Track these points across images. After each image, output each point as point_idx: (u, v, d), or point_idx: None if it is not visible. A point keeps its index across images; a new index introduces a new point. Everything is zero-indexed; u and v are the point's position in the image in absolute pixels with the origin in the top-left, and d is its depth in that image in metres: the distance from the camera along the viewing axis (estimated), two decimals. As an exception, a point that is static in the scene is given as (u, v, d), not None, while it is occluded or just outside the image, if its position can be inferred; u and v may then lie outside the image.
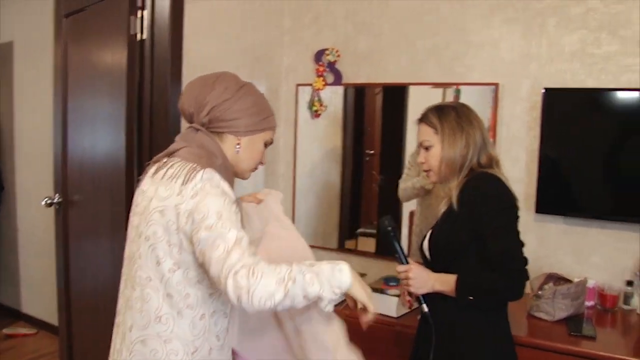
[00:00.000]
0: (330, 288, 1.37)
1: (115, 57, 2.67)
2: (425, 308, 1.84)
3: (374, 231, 3.17)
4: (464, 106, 1.97)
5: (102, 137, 2.84)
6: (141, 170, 2.58)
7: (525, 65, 2.65)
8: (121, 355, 1.50)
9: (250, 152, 1.61)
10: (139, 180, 1.60)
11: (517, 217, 1.82)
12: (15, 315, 4.41)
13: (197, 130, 1.56)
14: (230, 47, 2.88)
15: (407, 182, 2.82)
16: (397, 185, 2.89)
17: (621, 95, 2.44)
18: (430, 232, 1.98)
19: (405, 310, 2.58)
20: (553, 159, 2.52)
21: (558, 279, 2.41)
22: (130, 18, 2.56)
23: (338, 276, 1.39)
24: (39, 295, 4.29)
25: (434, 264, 1.92)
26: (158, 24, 2.58)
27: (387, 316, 2.53)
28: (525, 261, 1.77)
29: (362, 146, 3.20)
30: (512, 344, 1.90)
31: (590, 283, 2.47)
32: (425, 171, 1.98)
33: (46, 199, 3.17)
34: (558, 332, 2.22)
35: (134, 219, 1.55)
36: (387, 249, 2.98)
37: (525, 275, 1.77)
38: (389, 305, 2.54)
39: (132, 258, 1.51)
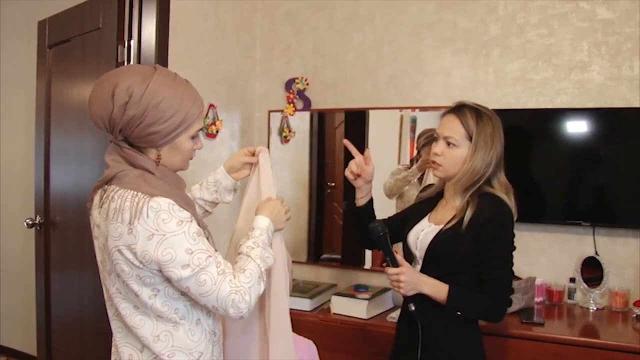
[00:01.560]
0: (270, 245, 1.59)
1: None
2: (412, 307, 1.88)
3: (338, 256, 3.35)
4: (498, 119, 1.94)
5: (88, 173, 2.87)
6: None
7: (475, 90, 2.96)
8: None
9: (177, 155, 1.52)
10: (87, 208, 1.56)
11: (514, 248, 1.88)
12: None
13: (120, 146, 1.47)
14: (208, 76, 3.10)
15: (397, 175, 3.06)
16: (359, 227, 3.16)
17: (557, 113, 2.77)
18: (419, 231, 1.99)
19: (374, 312, 2.82)
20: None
21: (510, 277, 2.70)
22: (118, 47, 2.72)
23: (270, 234, 1.60)
24: (9, 324, 4.29)
25: (425, 268, 1.94)
26: (145, 53, 2.76)
27: (358, 318, 2.74)
28: (512, 291, 1.88)
29: (324, 178, 3.39)
30: (481, 338, 1.98)
31: (538, 281, 2.76)
32: (435, 163, 1.94)
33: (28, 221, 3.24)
34: (512, 322, 2.48)
35: (98, 253, 1.54)
36: (359, 256, 3.25)
37: (509, 303, 1.86)
38: (360, 308, 2.75)
39: (109, 291, 1.51)
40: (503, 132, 1.92)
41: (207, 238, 1.49)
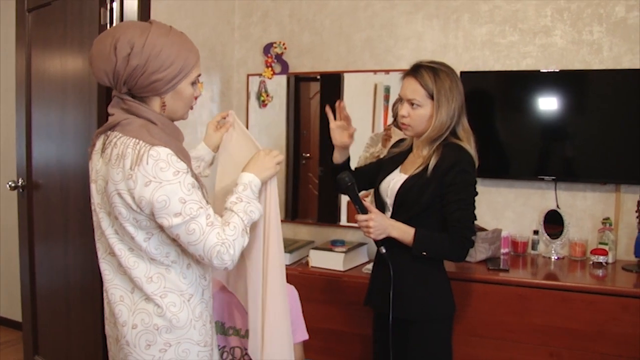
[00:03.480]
0: (257, 199, 1.67)
1: (84, 48, 2.79)
2: (383, 250, 2.01)
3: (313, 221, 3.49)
4: (453, 71, 2.05)
5: (70, 139, 2.91)
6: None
7: (445, 53, 3.09)
8: (122, 315, 1.59)
9: (180, 100, 1.60)
10: (88, 152, 1.64)
11: (476, 194, 2.03)
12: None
13: (123, 99, 1.55)
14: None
15: (365, 153, 3.21)
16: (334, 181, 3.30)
17: (521, 75, 2.94)
18: (390, 180, 2.13)
19: (351, 265, 2.97)
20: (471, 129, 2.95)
21: (478, 229, 2.84)
22: (100, 9, 2.74)
23: (255, 188, 1.67)
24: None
25: (395, 213, 2.08)
26: (127, 15, 2.80)
27: (335, 270, 2.89)
28: (474, 232, 2.02)
29: (300, 149, 3.50)
30: (448, 279, 2.16)
31: (504, 233, 2.93)
32: (403, 124, 2.07)
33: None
34: (479, 269, 2.66)
35: (95, 195, 1.60)
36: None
37: (470, 244, 2.01)
38: (337, 261, 2.91)
39: (105, 232, 1.58)
40: (461, 84, 2.05)
41: (200, 191, 1.56)
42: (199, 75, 1.63)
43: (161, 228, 1.53)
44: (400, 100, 2.09)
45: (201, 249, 1.51)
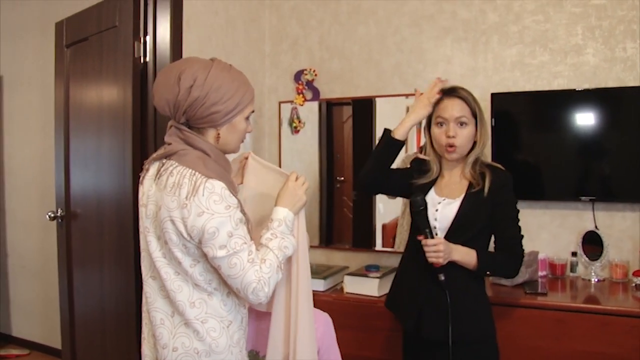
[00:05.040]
0: (291, 233, 1.70)
1: (118, 80, 2.88)
2: (442, 277, 2.00)
3: (347, 246, 3.48)
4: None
5: (106, 170, 2.97)
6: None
7: (475, 76, 3.09)
8: (163, 338, 1.63)
9: (234, 134, 1.67)
10: (139, 177, 1.71)
11: (518, 211, 2.10)
12: (5, 339, 4.52)
13: (178, 128, 1.63)
14: None
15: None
16: (370, 204, 3.31)
17: (554, 95, 2.90)
18: (438, 204, 2.11)
19: (386, 290, 2.93)
20: (504, 151, 2.90)
21: (514, 252, 2.82)
22: (134, 43, 2.84)
23: (289, 223, 1.70)
24: (29, 318, 4.43)
25: (450, 236, 2.06)
26: (160, 48, 2.89)
27: (370, 296, 2.87)
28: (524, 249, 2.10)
29: (334, 172, 3.52)
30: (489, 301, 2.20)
31: (541, 256, 2.87)
32: (451, 146, 2.06)
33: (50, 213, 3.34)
34: (517, 293, 2.61)
35: (146, 221, 1.65)
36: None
37: (523, 260, 2.10)
38: (371, 287, 2.88)
39: (152, 255, 1.63)
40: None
41: (246, 226, 1.62)
42: (253, 112, 1.71)
43: (206, 257, 1.59)
44: (439, 124, 2.09)
45: (239, 283, 1.57)
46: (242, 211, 1.60)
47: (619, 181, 2.82)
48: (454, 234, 2.07)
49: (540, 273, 2.85)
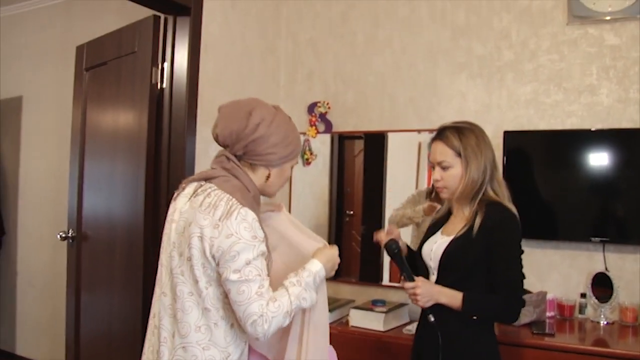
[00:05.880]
0: (315, 290, 1.70)
1: (135, 105, 2.94)
2: (432, 318, 1.96)
3: (354, 280, 3.46)
4: (478, 127, 2.08)
5: (119, 193, 3.02)
6: (155, 227, 2.81)
7: (488, 112, 3.10)
8: (163, 356, 1.64)
9: (279, 178, 1.78)
10: (173, 193, 1.78)
11: (522, 252, 2.00)
12: (9, 357, 4.53)
13: (229, 159, 1.70)
14: (235, 97, 3.16)
15: (399, 211, 3.20)
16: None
17: (568, 134, 2.90)
18: (432, 243, 2.10)
19: (391, 325, 2.91)
20: (515, 190, 2.89)
21: (523, 291, 2.79)
22: (152, 69, 2.89)
23: (318, 280, 1.71)
24: (34, 337, 4.44)
25: (439, 277, 2.05)
26: (177, 75, 2.94)
27: (376, 330, 2.84)
28: (524, 291, 2.02)
29: (344, 206, 3.52)
30: (497, 346, 2.08)
31: (550, 296, 2.84)
32: (439, 188, 2.07)
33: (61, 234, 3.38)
34: (524, 333, 2.57)
35: (173, 237, 1.68)
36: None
37: (522, 303, 1.98)
38: (377, 321, 2.85)
39: (172, 271, 1.66)
40: (490, 142, 2.05)
41: (267, 262, 1.65)
42: (296, 163, 1.84)
43: (217, 282, 1.61)
44: (432, 166, 2.10)
45: (242, 311, 1.57)
46: (267, 247, 1.65)
47: (631, 223, 2.80)
48: (443, 274, 2.05)
49: (548, 314, 2.81)
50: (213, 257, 1.57)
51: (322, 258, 1.77)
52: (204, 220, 1.58)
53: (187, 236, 1.62)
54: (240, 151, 1.69)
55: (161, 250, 1.74)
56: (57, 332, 3.95)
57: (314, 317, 1.81)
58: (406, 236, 3.24)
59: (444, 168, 2.03)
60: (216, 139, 1.74)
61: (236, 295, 1.57)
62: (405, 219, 3.15)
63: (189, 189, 1.72)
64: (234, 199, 1.60)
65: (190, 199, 1.67)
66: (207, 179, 1.70)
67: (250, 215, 1.59)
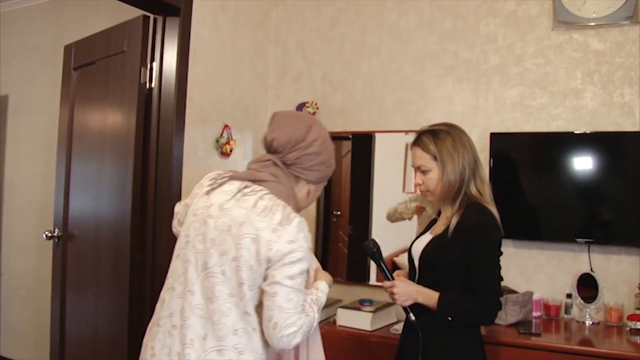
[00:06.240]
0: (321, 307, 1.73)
1: (123, 104, 2.92)
2: (412, 317, 1.98)
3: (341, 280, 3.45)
4: (456, 128, 2.08)
5: (106, 194, 3.00)
6: (143, 227, 2.83)
7: (475, 115, 3.14)
8: (190, 358, 1.57)
9: (314, 195, 1.82)
10: (211, 187, 1.72)
11: (501, 253, 1.99)
12: (-8, 360, 4.48)
13: (277, 165, 1.71)
14: (223, 99, 3.28)
15: (393, 207, 3.24)
16: (365, 238, 3.20)
17: (553, 137, 2.95)
18: (419, 242, 2.12)
19: (378, 325, 2.92)
20: (501, 192, 2.91)
21: (509, 292, 2.80)
22: (141, 69, 2.87)
23: (324, 299, 1.74)
24: (19, 338, 4.39)
25: (421, 276, 2.07)
26: (166, 75, 2.94)
27: (363, 330, 2.85)
28: (501, 293, 1.98)
29: (331, 206, 3.53)
30: (482, 346, 2.07)
31: (536, 296, 2.87)
32: (422, 192, 2.11)
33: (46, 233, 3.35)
34: (510, 332, 2.60)
35: (211, 232, 1.62)
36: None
37: (498, 306, 1.95)
38: (364, 320, 2.86)
39: (209, 270, 1.60)
40: (470, 142, 2.06)
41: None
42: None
43: (258, 287, 1.59)
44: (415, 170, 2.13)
45: (283, 319, 1.54)
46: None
47: (615, 224, 2.84)
48: (424, 273, 2.07)
49: (534, 313, 2.84)
50: (268, 259, 1.55)
51: (327, 280, 1.81)
52: (261, 223, 1.57)
53: (235, 235, 1.58)
54: (290, 160, 1.72)
55: (182, 244, 1.70)
56: (42, 333, 3.91)
57: (315, 335, 1.85)
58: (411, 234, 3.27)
59: (424, 172, 2.05)
60: (269, 143, 1.73)
61: (284, 301, 1.54)
62: (397, 214, 3.19)
63: (230, 186, 1.69)
64: (288, 207, 1.63)
65: (234, 196, 1.65)
66: (255, 180, 1.69)
67: (306, 226, 1.61)
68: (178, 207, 1.93)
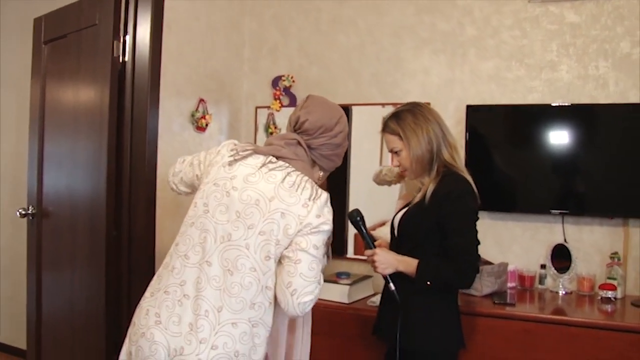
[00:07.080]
0: None
1: (96, 79, 2.86)
2: (392, 286, 2.02)
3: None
4: (418, 105, 2.16)
5: (80, 170, 2.97)
6: (118, 203, 2.81)
7: (451, 87, 3.13)
8: (203, 331, 1.58)
9: (318, 184, 1.82)
10: (233, 158, 1.73)
11: (477, 219, 2.04)
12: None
13: (301, 145, 1.77)
14: (198, 72, 3.23)
15: (378, 169, 3.25)
16: (343, 211, 3.22)
17: (529, 109, 2.96)
18: (400, 213, 2.18)
19: (356, 297, 2.95)
20: (477, 163, 2.91)
21: (484, 263, 2.83)
22: (114, 42, 2.82)
23: None
24: (1, 319, 4.35)
25: (400, 244, 2.14)
26: (139, 48, 2.88)
27: (340, 302, 2.87)
28: (477, 257, 2.02)
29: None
30: (459, 316, 2.15)
31: (511, 267, 2.91)
32: (401, 172, 2.19)
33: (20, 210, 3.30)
34: (485, 303, 2.64)
35: (237, 204, 1.65)
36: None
37: (475, 269, 2.00)
38: (342, 293, 2.89)
39: (233, 242, 1.63)
40: (434, 114, 2.13)
41: None
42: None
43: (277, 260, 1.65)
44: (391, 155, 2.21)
45: (303, 285, 1.60)
46: None
47: (588, 196, 2.88)
48: (401, 242, 2.14)
49: (509, 284, 2.89)
50: (298, 231, 1.61)
51: None
52: (291, 198, 1.63)
53: (264, 210, 1.62)
54: (314, 145, 1.78)
55: (200, 212, 1.70)
56: (17, 312, 3.88)
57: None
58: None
59: (396, 153, 2.13)
60: (302, 123, 1.77)
61: (306, 269, 1.60)
62: (382, 176, 3.20)
63: (254, 160, 1.72)
64: (314, 184, 1.70)
65: (259, 170, 1.68)
66: (279, 157, 1.74)
67: (329, 202, 1.69)
68: (180, 166, 1.96)
